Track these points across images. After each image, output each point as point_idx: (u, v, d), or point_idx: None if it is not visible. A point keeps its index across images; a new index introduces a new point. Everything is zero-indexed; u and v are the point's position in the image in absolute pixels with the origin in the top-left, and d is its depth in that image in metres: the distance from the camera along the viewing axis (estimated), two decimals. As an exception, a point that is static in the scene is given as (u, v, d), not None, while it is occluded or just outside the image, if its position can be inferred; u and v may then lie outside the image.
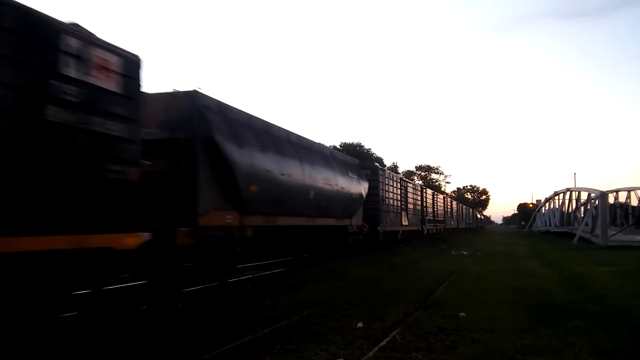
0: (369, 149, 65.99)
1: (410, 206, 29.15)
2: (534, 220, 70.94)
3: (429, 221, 35.65)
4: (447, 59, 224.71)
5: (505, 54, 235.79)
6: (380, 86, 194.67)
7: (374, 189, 20.90)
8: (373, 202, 21.07)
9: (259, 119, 11.93)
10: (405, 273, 15.07)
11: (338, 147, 53.93)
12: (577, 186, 49.69)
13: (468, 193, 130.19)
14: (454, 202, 58.99)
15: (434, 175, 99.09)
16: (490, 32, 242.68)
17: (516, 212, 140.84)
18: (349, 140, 63.58)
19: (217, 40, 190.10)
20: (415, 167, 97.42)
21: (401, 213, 26.07)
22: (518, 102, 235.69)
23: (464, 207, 71.95)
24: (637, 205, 38.83)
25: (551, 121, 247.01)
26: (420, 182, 75.74)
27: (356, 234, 18.82)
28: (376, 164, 25.45)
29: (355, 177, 17.89)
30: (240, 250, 10.62)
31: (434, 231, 38.19)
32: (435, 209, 39.53)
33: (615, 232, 33.66)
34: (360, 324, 7.72)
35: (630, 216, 39.61)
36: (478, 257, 22.80)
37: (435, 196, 40.26)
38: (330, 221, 15.69)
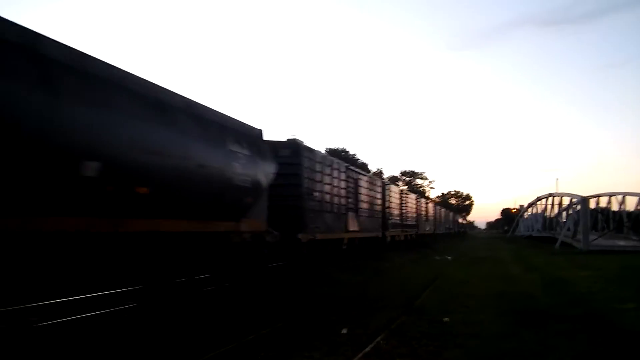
0: (354, 154, 66.44)
1: (364, 206, 22.19)
2: (517, 225, 71.65)
3: (394, 225, 29.02)
4: (431, 67, 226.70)
5: (487, 60, 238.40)
6: (366, 93, 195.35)
7: (292, 177, 14.60)
8: (290, 197, 14.46)
9: None
10: (389, 278, 15.08)
11: (323, 152, 53.98)
12: (559, 191, 50.33)
13: (452, 198, 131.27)
14: (430, 204, 50.31)
15: (418, 181, 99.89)
16: (472, 40, 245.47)
17: (500, 217, 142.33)
18: (334, 146, 63.95)
19: (205, 42, 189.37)
20: (400, 172, 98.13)
21: (346, 214, 19.19)
22: (500, 109, 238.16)
23: (442, 210, 64.40)
24: (618, 210, 39.36)
25: (533, 127, 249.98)
26: (406, 187, 75.77)
27: (251, 246, 11.63)
28: (298, 140, 15.52)
29: (246, 152, 10.80)
30: None
31: (402, 238, 31.60)
32: (405, 211, 32.67)
33: (596, 237, 34.09)
34: (344, 330, 7.68)
35: (611, 221, 40.13)
36: (462, 262, 22.92)
37: (404, 196, 33.63)
38: (179, 225, 9.01)
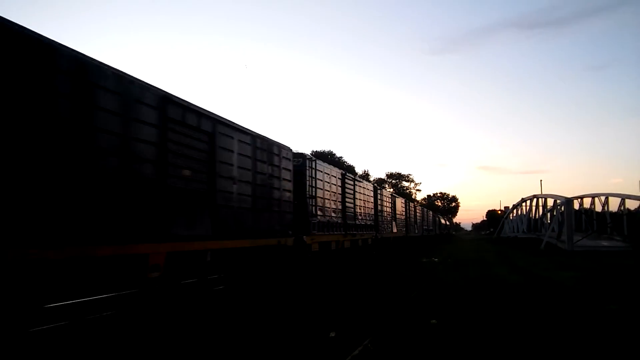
0: (341, 157, 66.63)
1: (243, 189, 11.40)
2: (502, 226, 72.21)
3: (327, 226, 17.37)
4: (414, 70, 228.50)
5: (469, 64, 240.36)
6: (352, 96, 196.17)
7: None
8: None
9: None
10: (376, 280, 15.06)
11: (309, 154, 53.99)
12: (543, 193, 50.85)
13: (438, 200, 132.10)
14: (400, 200, 35.95)
15: (405, 183, 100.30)
16: (455, 43, 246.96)
17: (485, 218, 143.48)
18: (320, 149, 64.06)
19: (193, 46, 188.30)
20: (386, 174, 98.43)
21: (163, 200, 8.34)
22: (483, 111, 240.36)
23: (418, 208, 49.87)
24: (602, 211, 39.87)
25: (518, 129, 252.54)
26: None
27: None
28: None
29: None
30: None
31: (348, 245, 20.00)
32: (351, 206, 20.78)
33: (580, 238, 34.50)
34: (332, 334, 7.66)
35: (594, 222, 40.64)
36: (448, 264, 23.01)
37: (349, 183, 20.98)
38: None
